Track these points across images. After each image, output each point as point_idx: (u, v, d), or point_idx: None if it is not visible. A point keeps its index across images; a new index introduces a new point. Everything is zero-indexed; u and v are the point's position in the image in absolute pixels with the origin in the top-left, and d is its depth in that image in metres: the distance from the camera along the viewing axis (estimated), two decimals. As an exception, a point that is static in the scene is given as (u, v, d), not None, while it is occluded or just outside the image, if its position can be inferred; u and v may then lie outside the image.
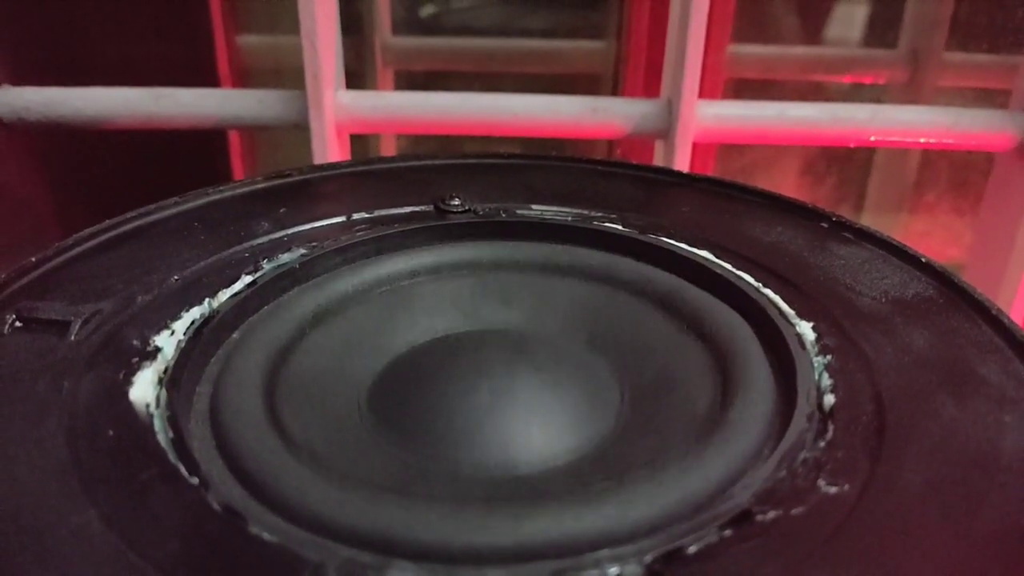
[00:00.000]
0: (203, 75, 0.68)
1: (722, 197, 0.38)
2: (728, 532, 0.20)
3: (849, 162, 0.83)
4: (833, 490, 0.22)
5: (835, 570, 0.19)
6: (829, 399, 0.25)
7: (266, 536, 0.20)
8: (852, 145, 0.55)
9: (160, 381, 0.26)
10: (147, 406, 0.24)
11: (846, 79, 0.79)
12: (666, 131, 0.54)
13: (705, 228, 0.35)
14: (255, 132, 0.76)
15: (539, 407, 0.27)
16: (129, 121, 0.53)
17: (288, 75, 0.65)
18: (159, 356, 0.27)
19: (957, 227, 0.84)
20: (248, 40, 0.75)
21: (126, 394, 0.25)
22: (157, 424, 0.24)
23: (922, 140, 0.55)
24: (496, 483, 0.24)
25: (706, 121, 0.54)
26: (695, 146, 0.54)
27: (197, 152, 0.69)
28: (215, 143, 0.74)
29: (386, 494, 0.21)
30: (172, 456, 0.22)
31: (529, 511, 0.20)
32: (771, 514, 0.21)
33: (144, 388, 0.25)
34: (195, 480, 0.21)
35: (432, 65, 0.82)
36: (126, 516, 0.20)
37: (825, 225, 0.36)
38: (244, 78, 0.73)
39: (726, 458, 0.23)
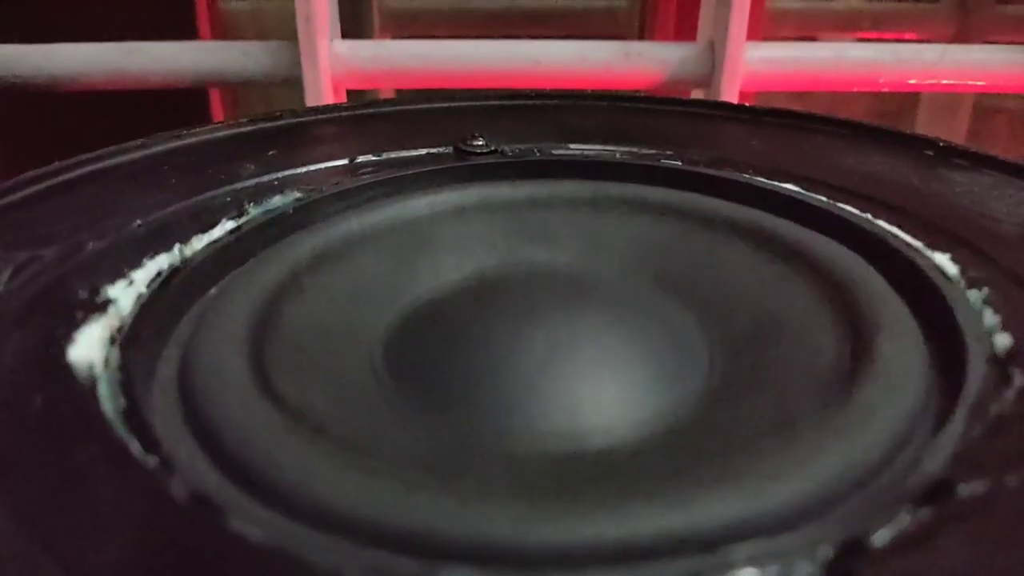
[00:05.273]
0: (182, 35, 0.62)
1: (798, 129, 0.32)
2: (925, 512, 0.14)
3: (896, 121, 0.77)
4: (1052, 451, 0.15)
5: (1111, 561, 0.13)
6: (1002, 339, 0.19)
7: (252, 534, 0.13)
8: (918, 90, 0.49)
9: (112, 340, 0.19)
10: (90, 367, 0.18)
11: (889, 35, 0.73)
12: (708, 77, 0.48)
13: (785, 161, 0.29)
14: (240, 90, 0.70)
15: (612, 360, 0.21)
16: (95, 79, 0.47)
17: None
18: (111, 310, 0.20)
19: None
20: (232, 4, 0.68)
21: (63, 353, 0.18)
22: (103, 389, 0.17)
23: (996, 83, 0.49)
24: (571, 460, 0.18)
25: (754, 64, 0.48)
26: (739, 97, 0.48)
27: (172, 116, 0.63)
28: (194, 104, 0.67)
29: (425, 477, 0.15)
30: (121, 429, 0.16)
31: (633, 489, 0.14)
32: (979, 485, 0.14)
33: (88, 347, 0.19)
34: (152, 460, 0.15)
35: (435, 30, 0.76)
36: (48, 510, 0.14)
37: (931, 152, 0.29)
38: (227, 36, 0.67)
39: (887, 414, 0.17)
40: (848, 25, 0.73)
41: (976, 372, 0.18)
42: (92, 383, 0.17)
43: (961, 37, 0.71)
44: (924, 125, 0.77)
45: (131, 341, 0.20)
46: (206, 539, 0.13)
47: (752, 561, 0.13)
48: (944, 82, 0.49)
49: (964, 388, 0.17)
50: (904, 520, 0.14)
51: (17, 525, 0.13)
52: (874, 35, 0.73)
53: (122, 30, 0.55)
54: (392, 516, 0.14)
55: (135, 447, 0.16)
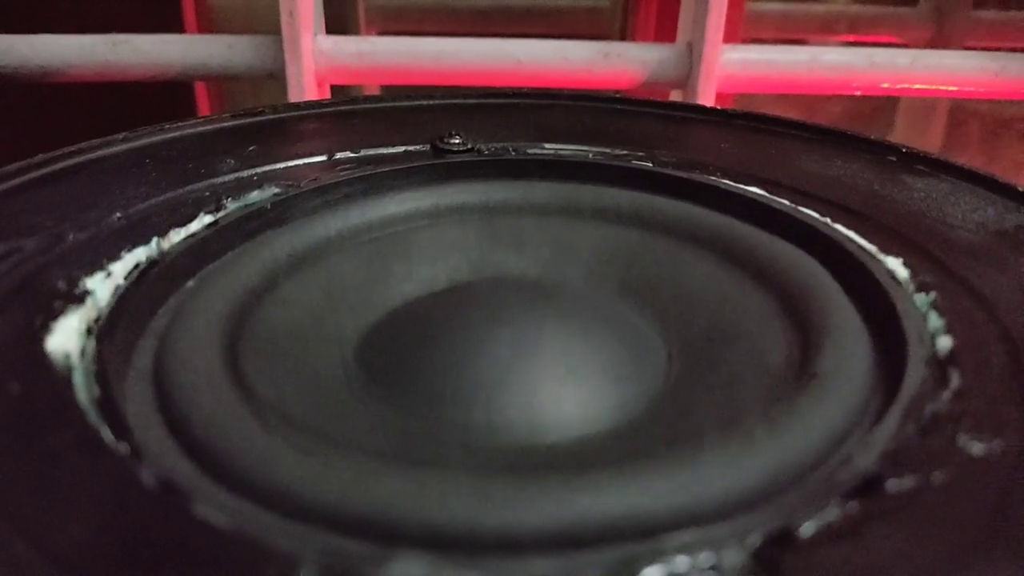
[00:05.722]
0: (167, 29, 0.62)
1: (766, 133, 0.33)
2: (853, 505, 0.15)
3: (870, 126, 0.78)
4: (979, 449, 0.16)
5: (1021, 553, 0.14)
6: (944, 342, 0.20)
7: (217, 520, 0.14)
8: (891, 94, 0.50)
9: (89, 330, 0.20)
10: (67, 357, 0.19)
11: (866, 38, 0.74)
12: (685, 78, 0.49)
13: (751, 164, 0.30)
14: (225, 86, 0.70)
15: (571, 360, 0.21)
16: (82, 71, 0.47)
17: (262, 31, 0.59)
18: (89, 301, 0.21)
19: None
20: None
21: (41, 342, 0.19)
22: (78, 379, 0.18)
23: (967, 89, 0.50)
24: (526, 451, 0.18)
25: (731, 67, 0.49)
26: (716, 98, 0.49)
27: (157, 111, 0.63)
28: (179, 100, 0.67)
29: (382, 464, 0.16)
30: (93, 416, 0.17)
31: (580, 480, 0.15)
32: (907, 481, 0.15)
33: (66, 337, 0.19)
34: (123, 447, 0.16)
35: (421, 26, 0.76)
36: (20, 493, 0.14)
37: (893, 158, 0.30)
38: (212, 30, 0.67)
39: (827, 413, 0.17)
40: (826, 28, 0.74)
41: (914, 373, 0.19)
42: (68, 372, 0.18)
43: (938, 41, 0.72)
44: (903, 125, 0.78)
45: (107, 332, 0.20)
46: (172, 524, 0.14)
47: (684, 549, 0.14)
48: (916, 87, 0.50)
49: (901, 388, 0.18)
50: (832, 513, 0.15)
51: (-9, 507, 0.14)
52: (852, 38, 0.74)
53: (109, 22, 0.55)
54: (349, 503, 0.15)
55: (107, 435, 0.16)
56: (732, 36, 0.57)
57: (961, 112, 0.78)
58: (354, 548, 0.14)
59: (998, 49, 0.72)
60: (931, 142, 0.80)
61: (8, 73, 0.47)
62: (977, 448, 0.16)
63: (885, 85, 0.50)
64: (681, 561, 0.13)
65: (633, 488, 0.15)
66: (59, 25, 0.50)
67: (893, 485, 0.15)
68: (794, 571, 0.13)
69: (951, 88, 0.51)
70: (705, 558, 0.13)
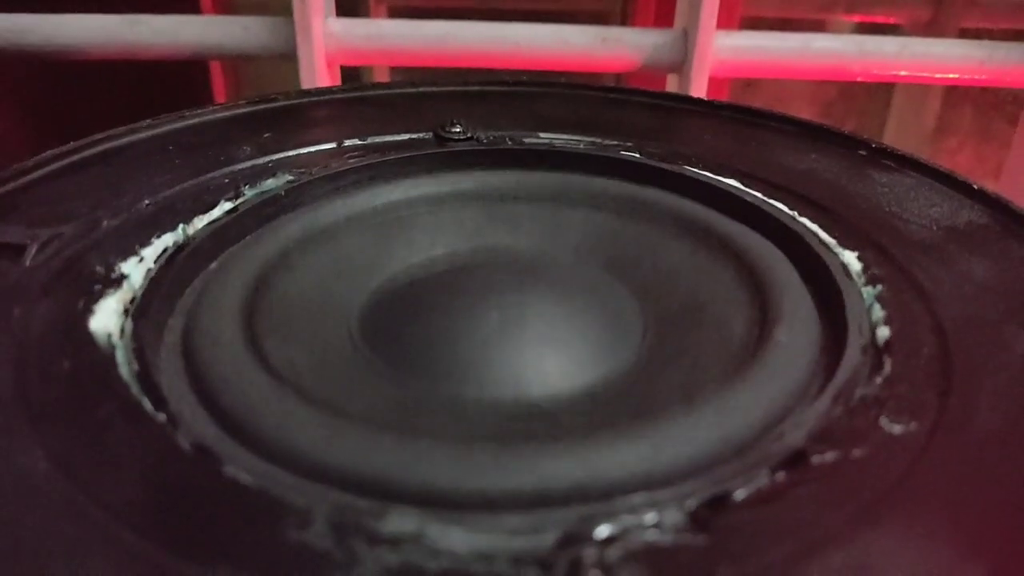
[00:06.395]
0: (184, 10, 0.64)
1: (748, 125, 0.35)
2: (781, 475, 0.17)
3: (868, 104, 0.79)
4: (898, 429, 0.19)
5: (908, 519, 0.16)
6: (883, 331, 0.22)
7: (243, 478, 0.17)
8: (880, 80, 0.52)
9: (126, 311, 0.23)
10: (108, 336, 0.21)
11: (864, 18, 0.75)
12: (680, 63, 0.51)
13: (731, 156, 0.32)
14: (240, 66, 0.72)
15: (555, 335, 0.24)
16: (102, 49, 0.50)
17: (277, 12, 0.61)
18: (125, 284, 0.24)
19: (978, 176, 0.81)
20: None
21: (85, 323, 0.22)
22: (119, 356, 0.21)
23: (953, 76, 0.52)
24: (508, 420, 0.21)
25: (724, 53, 0.51)
26: (709, 82, 0.51)
27: (176, 88, 0.65)
28: (196, 78, 0.70)
29: (383, 431, 0.19)
30: (135, 390, 0.19)
31: (549, 449, 0.18)
32: (829, 455, 0.18)
33: (106, 317, 0.22)
34: (161, 416, 0.19)
35: (429, 1, 0.77)
36: (78, 456, 0.17)
37: (863, 152, 0.32)
38: (228, 11, 0.69)
39: (770, 394, 0.20)
40: (826, 8, 0.75)
41: (850, 360, 0.21)
42: (111, 350, 0.21)
43: (935, 22, 0.74)
44: (900, 103, 0.80)
45: (141, 312, 0.23)
46: (205, 481, 0.17)
47: (633, 509, 0.16)
48: (903, 74, 0.52)
49: (837, 373, 0.21)
50: (762, 481, 0.17)
51: (54, 467, 0.17)
52: (851, 18, 0.75)
53: (128, 1, 0.57)
54: (355, 466, 0.17)
55: (146, 405, 0.19)
56: (729, 16, 0.59)
57: (956, 91, 0.79)
58: (358, 504, 0.17)
59: (993, 30, 0.73)
60: (927, 120, 0.82)
61: (33, 51, 0.50)
62: (896, 429, 0.19)
63: (875, 72, 0.51)
64: (629, 519, 0.16)
65: (595, 457, 0.17)
66: (79, 5, 0.52)
67: (817, 458, 0.18)
68: (723, 529, 0.16)
69: (937, 75, 0.52)
70: (650, 517, 0.16)
